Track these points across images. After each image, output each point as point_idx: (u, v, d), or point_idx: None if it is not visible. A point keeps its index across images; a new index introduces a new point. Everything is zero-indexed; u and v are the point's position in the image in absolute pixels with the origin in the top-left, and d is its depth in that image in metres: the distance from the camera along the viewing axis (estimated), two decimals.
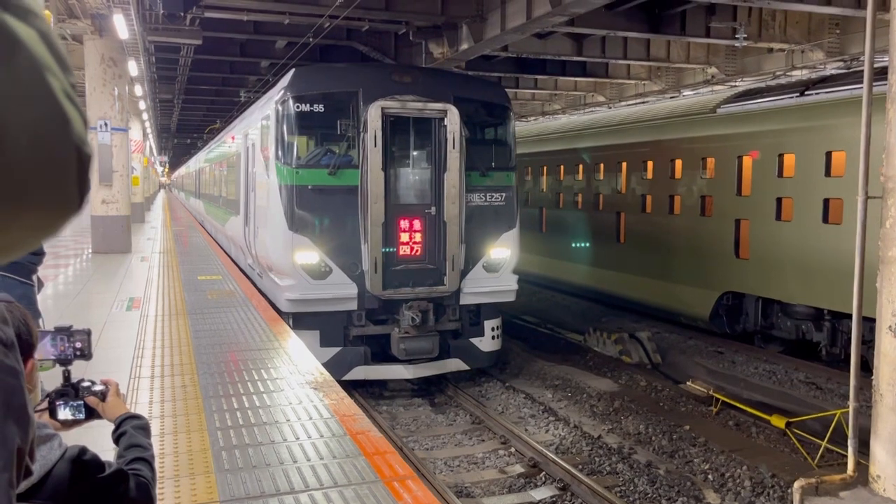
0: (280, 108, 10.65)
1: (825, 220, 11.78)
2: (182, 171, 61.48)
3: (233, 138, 17.17)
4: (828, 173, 11.78)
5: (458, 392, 11.31)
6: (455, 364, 11.18)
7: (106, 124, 16.04)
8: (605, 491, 7.77)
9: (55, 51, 0.56)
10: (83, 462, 1.73)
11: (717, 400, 10.68)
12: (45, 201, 0.54)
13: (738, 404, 10.48)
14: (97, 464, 1.79)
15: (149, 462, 2.01)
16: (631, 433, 9.79)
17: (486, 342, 11.40)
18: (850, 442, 6.68)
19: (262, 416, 5.43)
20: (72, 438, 1.97)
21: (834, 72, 15.54)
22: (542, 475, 8.45)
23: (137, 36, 14.71)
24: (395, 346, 10.57)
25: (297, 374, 6.57)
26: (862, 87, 6.63)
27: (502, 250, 11.22)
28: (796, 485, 6.49)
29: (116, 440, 2.14)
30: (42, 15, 0.56)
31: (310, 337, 9.99)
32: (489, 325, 11.41)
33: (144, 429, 2.16)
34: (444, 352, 10.90)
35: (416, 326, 10.45)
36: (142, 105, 27.20)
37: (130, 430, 2.12)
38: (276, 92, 11.26)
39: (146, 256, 16.08)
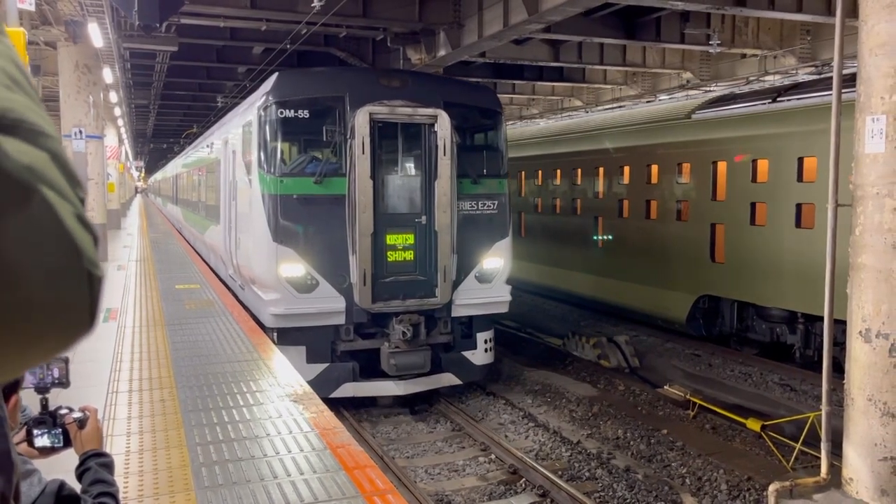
0: (262, 114, 10.16)
1: (798, 224, 11.98)
2: (159, 175, 60.86)
3: (212, 144, 16.96)
4: (800, 179, 11.98)
5: (439, 399, 11.29)
6: (447, 378, 10.77)
7: (80, 132, 15.83)
8: (584, 497, 7.85)
9: (66, 170, 0.57)
10: (62, 498, 1.75)
11: (695, 404, 10.80)
12: (59, 328, 0.56)
13: (714, 408, 10.61)
14: (75, 498, 1.81)
15: (115, 497, 2.05)
16: (609, 438, 9.88)
17: (479, 355, 10.99)
18: (822, 445, 6.80)
19: (242, 430, 5.42)
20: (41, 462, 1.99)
21: (806, 77, 15.78)
22: (522, 482, 8.50)
23: (112, 43, 14.60)
24: (384, 361, 10.13)
25: (276, 387, 6.56)
26: (832, 94, 6.75)
27: (495, 260, 10.80)
28: (771, 487, 6.60)
29: (79, 476, 2.15)
30: (53, 134, 0.57)
31: (295, 353, 9.58)
32: (482, 337, 11.00)
33: (108, 466, 2.18)
34: (435, 366, 10.47)
35: (407, 340, 9.99)
36: (117, 111, 26.95)
37: (95, 466, 2.14)
38: (259, 97, 10.72)
39: (123, 265, 15.89)
